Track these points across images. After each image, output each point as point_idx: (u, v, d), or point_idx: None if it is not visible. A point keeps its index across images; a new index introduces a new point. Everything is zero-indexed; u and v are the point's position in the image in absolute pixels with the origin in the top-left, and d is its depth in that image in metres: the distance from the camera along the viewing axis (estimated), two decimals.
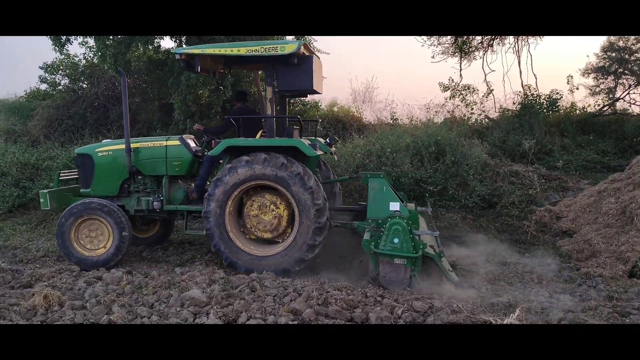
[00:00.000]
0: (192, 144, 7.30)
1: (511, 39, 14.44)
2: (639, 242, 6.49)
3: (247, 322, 4.48)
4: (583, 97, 14.86)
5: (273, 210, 6.47)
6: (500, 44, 14.78)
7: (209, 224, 6.43)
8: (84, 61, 14.82)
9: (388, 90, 18.54)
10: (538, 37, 14.14)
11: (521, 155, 11.58)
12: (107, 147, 7.25)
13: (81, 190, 7.33)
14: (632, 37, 13.62)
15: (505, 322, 4.20)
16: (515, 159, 11.54)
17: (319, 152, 6.65)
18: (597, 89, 14.70)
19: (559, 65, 24.30)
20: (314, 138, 7.15)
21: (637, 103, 14.16)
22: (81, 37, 12.63)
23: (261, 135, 6.91)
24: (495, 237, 8.22)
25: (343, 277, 6.33)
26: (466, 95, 14.02)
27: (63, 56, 14.29)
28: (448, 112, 13.84)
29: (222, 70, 7.99)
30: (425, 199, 8.67)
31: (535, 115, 12.59)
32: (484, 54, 14.98)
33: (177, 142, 7.14)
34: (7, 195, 10.19)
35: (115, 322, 4.54)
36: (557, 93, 13.40)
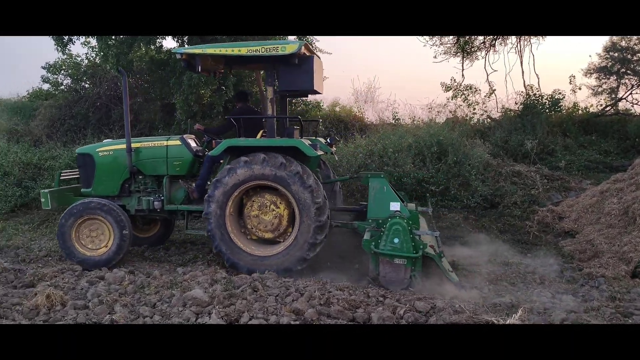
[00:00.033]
0: (193, 144, 7.30)
1: (513, 38, 14.42)
2: None
3: (249, 322, 4.48)
4: (585, 97, 14.90)
5: (273, 210, 6.47)
6: (503, 44, 14.76)
7: (210, 225, 6.43)
8: (86, 61, 14.84)
9: (390, 90, 18.51)
10: (540, 37, 14.11)
11: (523, 156, 11.56)
12: (108, 147, 7.26)
13: (82, 190, 7.34)
14: (635, 37, 13.60)
15: (507, 322, 4.19)
16: (518, 159, 11.52)
17: (320, 152, 6.65)
18: (600, 89, 14.71)
19: (561, 65, 24.32)
20: (314, 138, 7.15)
21: (639, 103, 14.15)
22: (83, 37, 12.67)
23: (262, 136, 6.91)
24: (498, 238, 8.21)
25: (344, 276, 6.33)
26: (468, 96, 14.00)
27: (65, 56, 14.32)
28: (450, 112, 13.83)
29: (222, 70, 8.00)
30: (426, 199, 8.66)
31: (537, 115, 12.57)
32: (486, 54, 14.97)
33: (178, 142, 7.14)
34: (10, 195, 10.20)
35: (118, 322, 4.55)
36: (560, 93, 13.39)
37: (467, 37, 14.49)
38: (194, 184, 7.10)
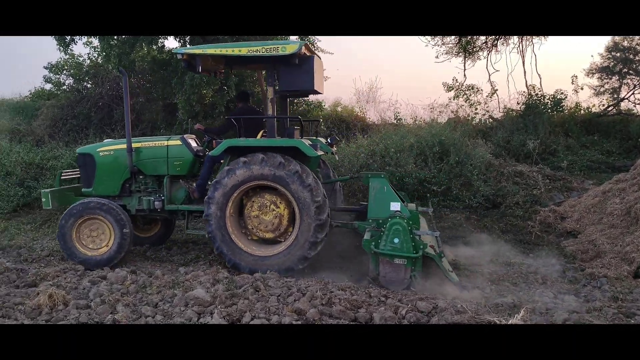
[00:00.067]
0: (194, 144, 7.31)
1: (515, 39, 14.39)
2: None
3: (251, 322, 4.48)
4: (587, 97, 14.86)
5: (273, 210, 6.47)
6: (505, 44, 14.74)
7: (210, 227, 6.44)
8: (88, 61, 14.84)
9: (392, 90, 18.58)
10: (542, 37, 14.09)
11: (525, 156, 11.55)
12: (109, 147, 7.27)
13: (83, 189, 7.35)
14: (637, 37, 13.56)
15: (509, 322, 4.18)
16: (520, 159, 11.51)
17: (320, 153, 6.65)
18: (602, 89, 14.65)
19: (563, 65, 24.29)
20: (315, 138, 7.15)
21: None
22: (85, 37, 12.68)
23: (262, 136, 6.91)
24: (500, 238, 8.20)
25: (345, 276, 6.33)
26: (470, 96, 13.98)
27: (68, 56, 14.34)
28: (452, 112, 13.82)
29: (223, 70, 8.00)
30: (427, 199, 8.65)
31: (539, 115, 12.55)
32: (488, 54, 14.96)
33: (178, 142, 7.15)
34: (12, 195, 10.22)
35: (120, 322, 4.55)
36: (562, 93, 13.38)
37: (469, 37, 14.47)
38: (194, 184, 7.10)
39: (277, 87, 6.65)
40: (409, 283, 5.80)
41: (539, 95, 13.37)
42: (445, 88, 14.28)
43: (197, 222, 8.23)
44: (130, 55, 11.12)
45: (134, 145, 7.06)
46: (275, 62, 6.48)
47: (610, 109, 14.02)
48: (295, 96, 10.45)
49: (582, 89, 14.12)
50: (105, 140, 7.92)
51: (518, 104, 13.59)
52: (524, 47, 14.38)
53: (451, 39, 14.96)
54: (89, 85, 14.66)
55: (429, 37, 14.96)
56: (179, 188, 7.18)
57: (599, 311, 4.91)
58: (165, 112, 13.10)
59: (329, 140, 7.43)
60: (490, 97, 14.08)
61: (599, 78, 14.68)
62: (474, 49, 14.99)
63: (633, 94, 14.15)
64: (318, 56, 6.81)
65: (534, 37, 14.04)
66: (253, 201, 6.52)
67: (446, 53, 15.24)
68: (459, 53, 15.10)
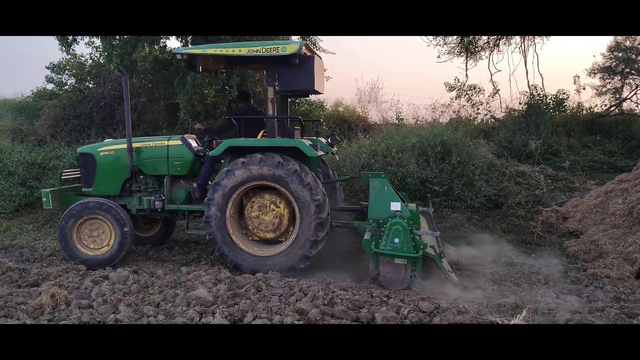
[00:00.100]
0: (194, 144, 7.32)
1: (517, 38, 14.36)
2: None
3: (253, 322, 4.48)
4: (590, 97, 14.77)
5: (273, 209, 6.47)
6: (507, 44, 14.70)
7: (211, 228, 6.44)
8: (90, 61, 14.86)
9: (394, 90, 18.46)
10: (544, 37, 14.07)
11: (527, 156, 11.53)
12: (109, 147, 7.27)
13: (83, 189, 7.36)
14: (639, 37, 13.54)
15: (512, 323, 4.18)
16: (522, 159, 11.49)
17: (320, 153, 6.65)
18: (604, 89, 14.63)
19: (566, 65, 24.21)
20: (315, 138, 7.15)
21: None
22: (87, 37, 12.68)
23: (263, 136, 6.91)
24: (501, 238, 8.19)
25: (346, 276, 6.33)
26: (472, 95, 13.96)
27: (70, 56, 14.36)
28: (454, 112, 13.79)
29: (223, 70, 8.00)
30: (428, 199, 8.63)
31: (541, 115, 12.53)
32: (490, 54, 14.91)
33: (179, 142, 7.15)
34: (14, 195, 10.24)
35: (122, 321, 4.55)
36: (564, 93, 13.34)
37: (471, 37, 14.45)
38: (195, 184, 7.10)
39: (277, 87, 6.65)
40: (409, 283, 5.80)
41: (541, 95, 13.35)
42: (447, 88, 14.27)
43: (198, 222, 8.23)
44: (132, 55, 11.13)
45: (134, 145, 7.06)
46: (275, 62, 6.48)
47: (612, 109, 14.00)
48: (296, 96, 10.44)
49: (584, 89, 14.12)
50: (105, 140, 7.92)
51: (520, 104, 13.57)
52: (526, 46, 14.37)
53: (453, 39, 14.93)
54: (90, 85, 14.68)
55: (430, 37, 14.95)
56: (180, 188, 7.18)
57: (602, 312, 4.90)
58: (167, 112, 13.11)
59: (329, 140, 7.44)
60: (492, 97, 14.08)
61: (601, 78, 14.66)
62: (476, 49, 14.96)
63: (635, 94, 14.14)
64: (319, 56, 6.81)
65: (536, 37, 14.01)
66: (253, 202, 6.52)
67: (448, 53, 15.22)
68: (460, 53, 15.07)
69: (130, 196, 7.27)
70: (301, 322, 4.50)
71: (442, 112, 13.82)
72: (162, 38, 11.69)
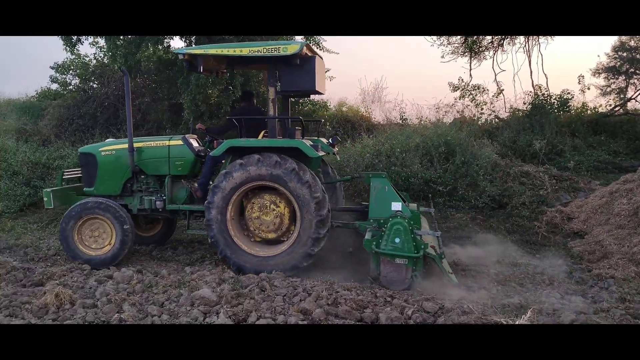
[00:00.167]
0: (195, 144, 7.32)
1: (522, 38, 14.33)
2: None
3: (257, 322, 4.48)
4: (594, 97, 14.78)
5: (274, 209, 6.46)
6: (511, 44, 14.68)
7: (213, 231, 6.43)
8: (94, 61, 14.89)
9: (397, 90, 18.45)
10: (549, 37, 14.03)
11: (532, 156, 11.50)
12: (111, 147, 7.28)
13: (84, 189, 7.36)
14: None
15: (516, 323, 4.17)
16: (526, 159, 11.46)
17: (321, 153, 6.65)
18: (608, 89, 14.60)
19: (570, 65, 24.15)
20: (316, 138, 7.14)
21: None
22: (92, 37, 12.72)
23: (264, 136, 6.91)
24: (506, 238, 8.17)
25: (350, 275, 6.32)
26: (476, 95, 13.94)
27: (74, 56, 14.38)
28: (458, 112, 13.77)
29: (225, 70, 8.00)
30: (429, 199, 8.62)
31: (546, 115, 12.49)
32: (494, 54, 14.90)
33: (180, 142, 7.16)
34: (19, 194, 10.26)
35: (126, 321, 4.56)
36: (568, 93, 13.31)
37: (475, 37, 14.43)
38: (196, 184, 7.10)
39: (278, 88, 6.65)
40: (410, 283, 5.79)
41: (546, 95, 13.32)
42: (451, 88, 14.25)
43: (199, 222, 8.24)
44: (136, 55, 11.15)
45: (135, 145, 7.05)
46: (276, 63, 6.47)
47: (617, 109, 13.95)
48: (297, 96, 10.44)
49: (588, 89, 14.08)
50: (107, 140, 7.93)
51: (524, 103, 13.55)
52: (530, 46, 14.34)
53: (457, 39, 14.92)
54: (95, 85, 14.71)
55: (434, 37, 14.93)
56: (181, 188, 7.18)
57: (607, 312, 4.87)
58: (170, 112, 13.13)
59: (330, 140, 7.43)
60: (497, 97, 14.05)
61: (605, 78, 14.63)
62: (480, 49, 14.95)
63: None
64: (320, 56, 6.80)
65: (540, 36, 13.98)
66: (253, 202, 6.52)
67: (452, 53, 15.21)
68: (464, 53, 15.05)
69: (131, 196, 7.28)
70: (305, 322, 4.50)
71: (446, 112, 13.82)
72: (166, 38, 11.70)
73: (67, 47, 11.68)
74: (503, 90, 14.15)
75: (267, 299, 5.08)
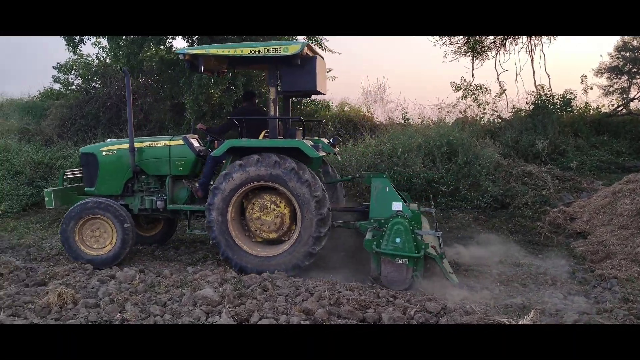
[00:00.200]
0: (196, 144, 7.33)
1: (524, 38, 14.29)
2: None
3: (259, 322, 4.48)
4: (597, 97, 14.73)
5: (274, 209, 6.46)
6: (513, 44, 14.65)
7: (213, 233, 6.44)
8: (97, 61, 14.91)
9: (399, 90, 18.38)
10: (551, 37, 14.00)
11: (534, 156, 11.48)
12: (111, 147, 7.29)
13: (85, 189, 7.38)
14: None
15: (519, 323, 4.16)
16: (529, 159, 11.44)
17: (322, 153, 6.64)
18: (611, 89, 14.56)
19: (573, 65, 24.10)
20: (317, 138, 7.14)
21: None
22: (94, 37, 12.73)
23: (264, 136, 6.91)
24: (508, 238, 8.16)
25: (352, 274, 6.32)
26: (478, 95, 13.90)
27: (76, 56, 14.40)
28: (460, 112, 13.74)
29: (226, 70, 8.01)
30: (431, 199, 8.61)
31: (548, 115, 12.45)
32: (497, 54, 14.86)
33: (181, 142, 7.16)
34: (21, 194, 10.29)
35: (129, 321, 4.56)
36: (571, 93, 13.26)
37: (478, 36, 14.40)
38: (197, 184, 7.11)
39: (279, 88, 6.64)
40: (411, 283, 5.79)
41: (548, 95, 13.28)
42: (453, 88, 14.20)
43: (200, 222, 8.24)
44: (138, 55, 11.15)
45: (136, 145, 7.06)
46: (277, 63, 6.47)
47: (619, 109, 13.91)
48: (298, 97, 10.43)
49: (591, 88, 14.02)
50: (108, 140, 7.94)
51: (527, 103, 13.50)
52: (533, 46, 14.29)
53: (459, 39, 14.89)
54: (97, 85, 14.73)
55: (437, 37, 14.91)
56: (181, 188, 7.19)
57: (610, 312, 4.87)
58: (173, 112, 13.13)
59: (331, 140, 7.43)
60: (499, 97, 14.01)
61: (608, 78, 14.60)
62: (483, 49, 14.92)
63: None
64: (321, 57, 6.80)
65: (543, 36, 13.95)
66: (253, 203, 6.51)
67: (454, 53, 15.18)
68: (467, 53, 15.02)
69: (132, 196, 7.29)
70: (307, 322, 4.50)
71: (448, 112, 13.78)
72: (168, 38, 11.71)
73: (69, 47, 11.69)
74: (505, 90, 14.12)
75: (270, 299, 5.08)
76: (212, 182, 6.87)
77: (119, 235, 6.75)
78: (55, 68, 14.94)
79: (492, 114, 13.73)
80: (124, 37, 10.96)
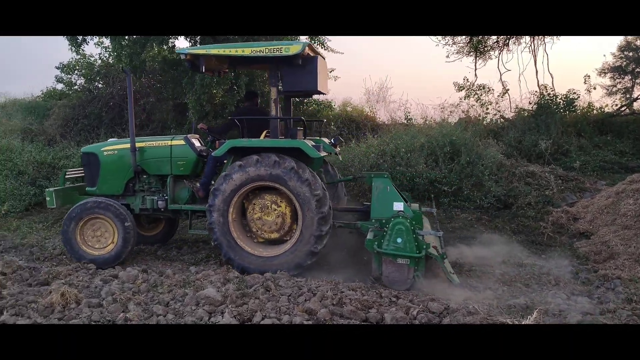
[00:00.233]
0: (197, 144, 7.33)
1: (527, 38, 14.26)
2: None
3: (262, 322, 4.48)
4: (600, 97, 14.64)
5: (275, 209, 6.45)
6: (516, 44, 14.61)
7: (215, 234, 6.43)
8: (99, 61, 14.95)
9: (402, 90, 18.27)
10: (554, 37, 13.97)
11: (537, 156, 11.44)
12: (113, 146, 7.30)
13: (87, 189, 7.38)
14: None
15: (522, 324, 4.15)
16: (532, 159, 11.41)
17: (323, 153, 6.64)
18: (614, 89, 14.50)
19: (576, 64, 24.03)
20: (318, 138, 7.14)
21: None
22: (97, 37, 12.76)
23: (265, 136, 6.90)
24: (511, 238, 8.13)
25: (351, 273, 6.32)
26: (481, 95, 13.87)
27: (79, 56, 14.44)
28: (463, 112, 13.71)
29: (227, 70, 8.01)
30: (432, 199, 8.60)
31: (551, 115, 12.42)
32: (500, 54, 14.82)
33: (182, 142, 7.17)
34: (24, 194, 10.31)
35: (132, 320, 4.57)
36: (574, 93, 13.22)
37: (480, 36, 14.37)
38: (198, 184, 7.11)
39: (280, 88, 6.64)
40: (412, 283, 5.78)
41: (551, 95, 13.25)
42: (456, 88, 14.19)
43: (201, 222, 8.24)
44: (141, 55, 11.18)
45: (137, 145, 7.07)
46: (278, 63, 6.47)
47: (623, 108, 13.86)
48: (299, 97, 10.42)
49: (594, 88, 13.96)
50: (109, 140, 7.94)
51: (530, 103, 13.47)
52: (535, 46, 14.26)
53: (462, 39, 14.87)
54: (100, 85, 14.77)
55: (439, 37, 14.89)
56: (182, 188, 7.19)
57: (613, 313, 4.86)
58: (175, 112, 13.15)
59: (332, 140, 7.43)
60: (502, 97, 13.99)
61: (611, 78, 14.53)
62: (485, 49, 14.88)
63: None
64: (322, 57, 6.80)
65: (545, 36, 13.91)
66: (254, 203, 6.51)
67: (457, 52, 15.16)
68: (469, 52, 15.00)
69: (133, 196, 7.30)
70: (310, 322, 4.50)
71: (451, 112, 13.74)
72: (170, 38, 11.73)
73: (72, 47, 11.73)
74: (508, 90, 14.11)
75: (272, 298, 5.08)
76: (213, 182, 6.87)
77: (120, 234, 6.75)
78: (58, 68, 15.00)
79: (495, 114, 13.71)
80: (126, 37, 10.98)
